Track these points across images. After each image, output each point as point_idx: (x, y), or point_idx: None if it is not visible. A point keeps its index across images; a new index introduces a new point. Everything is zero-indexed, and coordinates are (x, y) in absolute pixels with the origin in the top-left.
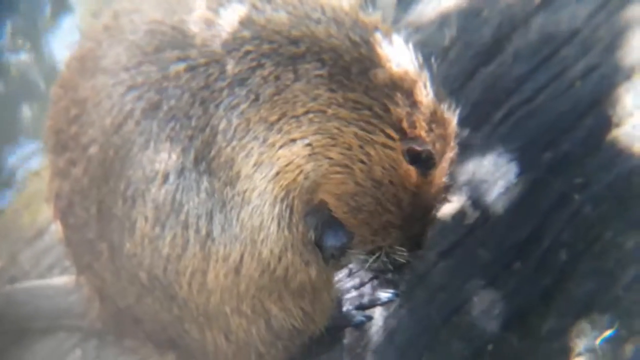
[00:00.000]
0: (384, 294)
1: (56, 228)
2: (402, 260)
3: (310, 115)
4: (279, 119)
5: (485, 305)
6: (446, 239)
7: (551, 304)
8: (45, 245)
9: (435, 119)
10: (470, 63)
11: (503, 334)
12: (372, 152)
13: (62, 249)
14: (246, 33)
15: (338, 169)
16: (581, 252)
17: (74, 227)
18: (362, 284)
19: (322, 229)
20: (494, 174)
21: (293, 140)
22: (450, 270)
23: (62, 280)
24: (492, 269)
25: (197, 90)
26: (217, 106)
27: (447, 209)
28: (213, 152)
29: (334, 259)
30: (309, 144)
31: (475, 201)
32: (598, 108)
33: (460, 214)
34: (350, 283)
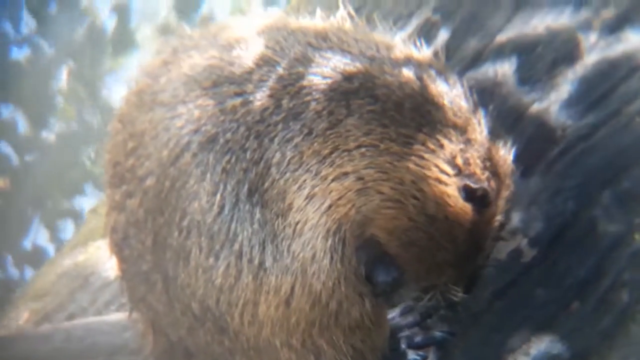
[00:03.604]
0: (439, 333)
1: (112, 263)
2: (455, 298)
3: (363, 150)
4: (331, 153)
5: (543, 347)
6: (501, 278)
7: (613, 345)
8: (102, 282)
9: (490, 157)
10: (524, 99)
11: None
12: (426, 188)
13: (118, 286)
14: (301, 69)
15: (390, 204)
16: None
17: (129, 260)
18: (416, 323)
19: (373, 264)
20: (551, 212)
21: (345, 174)
22: (506, 310)
23: (118, 316)
24: (550, 309)
25: (253, 124)
26: (271, 140)
27: (503, 247)
28: (267, 184)
29: (386, 295)
30: (360, 178)
31: (532, 239)
32: None
33: (516, 253)
34: (404, 321)
